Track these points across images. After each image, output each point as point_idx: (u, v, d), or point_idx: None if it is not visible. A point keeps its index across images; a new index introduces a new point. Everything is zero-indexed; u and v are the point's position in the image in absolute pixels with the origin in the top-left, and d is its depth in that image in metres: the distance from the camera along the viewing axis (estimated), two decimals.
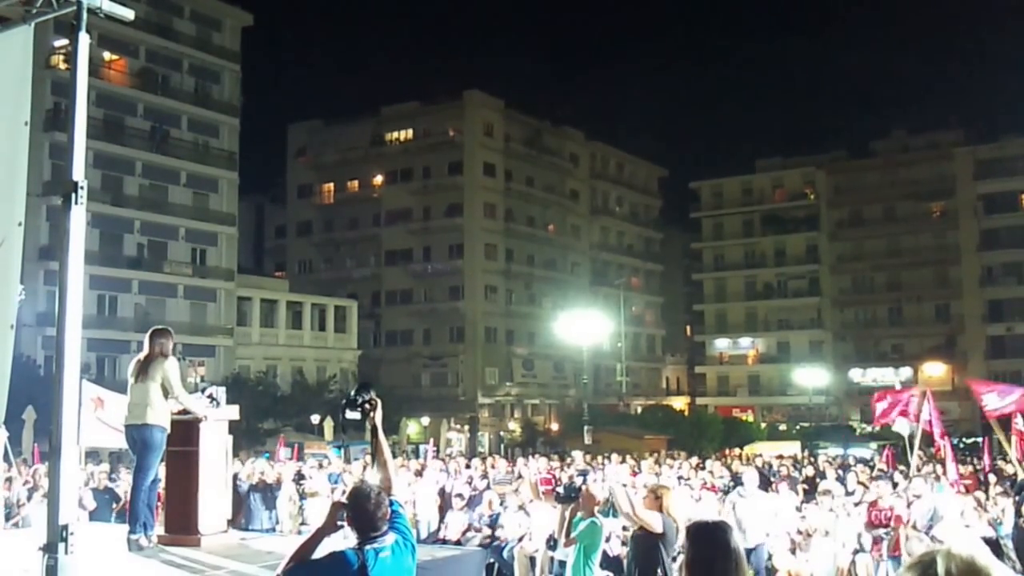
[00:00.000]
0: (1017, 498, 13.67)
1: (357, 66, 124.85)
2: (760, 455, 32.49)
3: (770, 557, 12.60)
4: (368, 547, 4.22)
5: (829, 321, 72.90)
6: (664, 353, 78.46)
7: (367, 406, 4.86)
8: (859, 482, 16.88)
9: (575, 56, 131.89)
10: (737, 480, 18.82)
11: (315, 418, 43.84)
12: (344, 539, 4.46)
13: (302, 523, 15.65)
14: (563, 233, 69.59)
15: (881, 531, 12.20)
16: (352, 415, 4.90)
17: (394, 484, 4.73)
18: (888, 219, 70.55)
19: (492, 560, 12.36)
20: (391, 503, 4.43)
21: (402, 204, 64.76)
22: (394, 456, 22.53)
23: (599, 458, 25.99)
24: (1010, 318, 64.58)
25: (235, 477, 13.77)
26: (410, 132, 66.07)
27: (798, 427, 59.21)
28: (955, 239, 67.85)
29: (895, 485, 15.19)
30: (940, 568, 2.33)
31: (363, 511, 4.30)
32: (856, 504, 13.84)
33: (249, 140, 57.33)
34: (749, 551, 11.73)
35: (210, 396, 8.43)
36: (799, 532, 12.95)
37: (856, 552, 12.53)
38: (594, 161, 73.24)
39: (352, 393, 5.01)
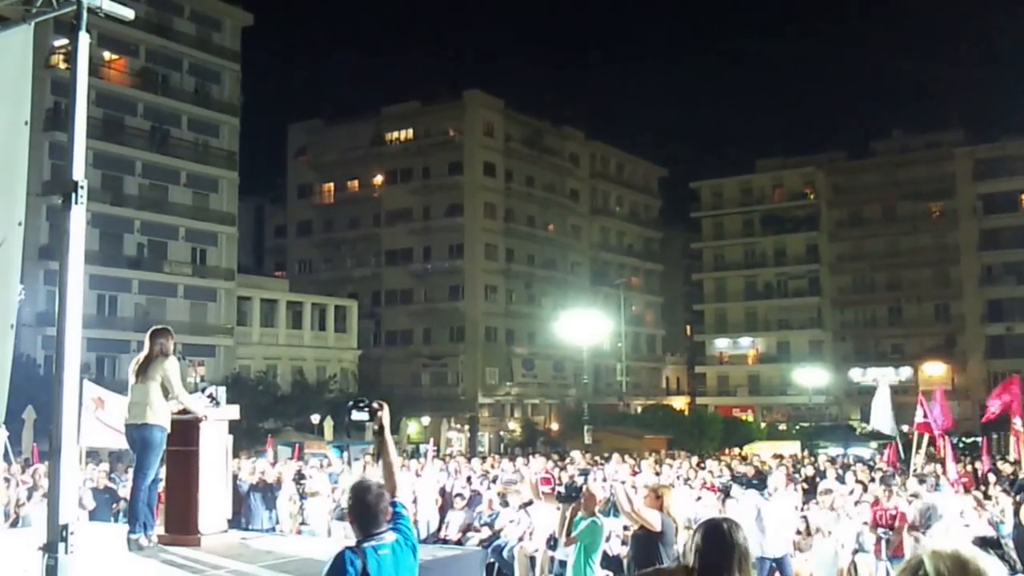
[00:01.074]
0: (1017, 497, 13.66)
1: (357, 66, 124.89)
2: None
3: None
4: (366, 545, 4.21)
5: (829, 321, 72.90)
6: (664, 353, 78.48)
7: (374, 405, 4.83)
8: (858, 481, 16.87)
9: (575, 56, 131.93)
10: (740, 481, 18.78)
11: (315, 418, 43.84)
12: (346, 538, 4.47)
13: (302, 523, 15.66)
14: (563, 233, 69.60)
15: (880, 531, 12.18)
16: (359, 416, 4.88)
17: (399, 487, 4.69)
18: (888, 219, 70.54)
19: (492, 560, 12.35)
20: (394, 503, 4.42)
21: (402, 204, 64.75)
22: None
23: (597, 458, 25.97)
24: (1010, 318, 64.57)
25: (235, 477, 13.77)
26: (410, 132, 66.09)
27: (798, 427, 59.21)
28: (955, 239, 67.83)
29: (889, 488, 15.16)
30: (929, 568, 2.34)
31: (363, 504, 4.29)
32: (856, 504, 13.83)
33: (249, 140, 57.38)
34: (775, 561, 11.15)
35: (210, 396, 8.43)
36: (799, 532, 12.93)
37: (856, 552, 12.53)
38: (594, 161, 73.26)
39: (357, 399, 5.01)
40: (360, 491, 4.35)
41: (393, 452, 4.83)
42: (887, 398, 20.87)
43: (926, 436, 18.21)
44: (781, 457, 30.12)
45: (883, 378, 27.44)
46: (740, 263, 75.89)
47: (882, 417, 20.77)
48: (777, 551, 11.18)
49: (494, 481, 17.02)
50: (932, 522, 11.78)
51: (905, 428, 21.03)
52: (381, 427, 4.80)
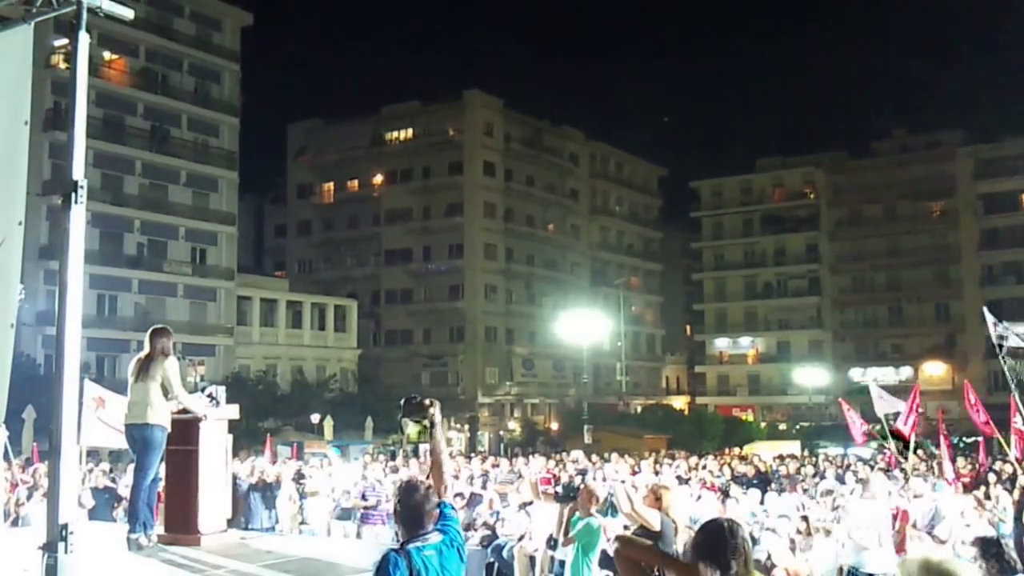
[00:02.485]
0: (1018, 498, 13.65)
1: (357, 66, 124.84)
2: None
3: (769, 556, 12.55)
4: (411, 546, 4.12)
5: (829, 321, 72.91)
6: (664, 353, 78.51)
7: (426, 402, 4.74)
8: (859, 480, 16.87)
9: (575, 56, 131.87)
10: (740, 481, 18.77)
11: (315, 418, 43.85)
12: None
13: (302, 522, 15.65)
14: (563, 233, 69.62)
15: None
16: (411, 407, 4.75)
17: (448, 486, 4.61)
18: (888, 219, 70.56)
19: (492, 560, 12.35)
20: (442, 505, 4.32)
21: (402, 204, 64.78)
22: (393, 457, 22.35)
23: (595, 457, 25.93)
24: (1010, 318, 64.18)
25: (235, 476, 13.76)
26: (410, 132, 66.12)
27: (798, 427, 59.21)
28: (955, 239, 67.86)
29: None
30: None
31: (411, 502, 4.20)
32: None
33: (249, 140, 57.42)
34: None
35: (210, 395, 8.42)
36: (799, 532, 12.91)
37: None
38: (594, 161, 73.28)
39: (409, 396, 4.94)
40: (408, 491, 4.25)
41: (444, 451, 4.70)
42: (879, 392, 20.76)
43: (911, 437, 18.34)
44: (782, 457, 30.12)
45: (884, 378, 27.28)
46: (740, 263, 75.91)
47: (885, 403, 20.71)
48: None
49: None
50: (936, 523, 11.78)
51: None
52: (432, 424, 4.69)
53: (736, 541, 3.60)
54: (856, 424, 19.83)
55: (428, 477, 4.68)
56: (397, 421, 5.06)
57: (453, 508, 4.47)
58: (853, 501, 11.11)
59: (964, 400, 17.50)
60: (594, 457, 24.98)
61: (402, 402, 4.84)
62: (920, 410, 18.00)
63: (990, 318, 13.98)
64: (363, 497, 14.78)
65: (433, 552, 4.14)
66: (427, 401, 4.73)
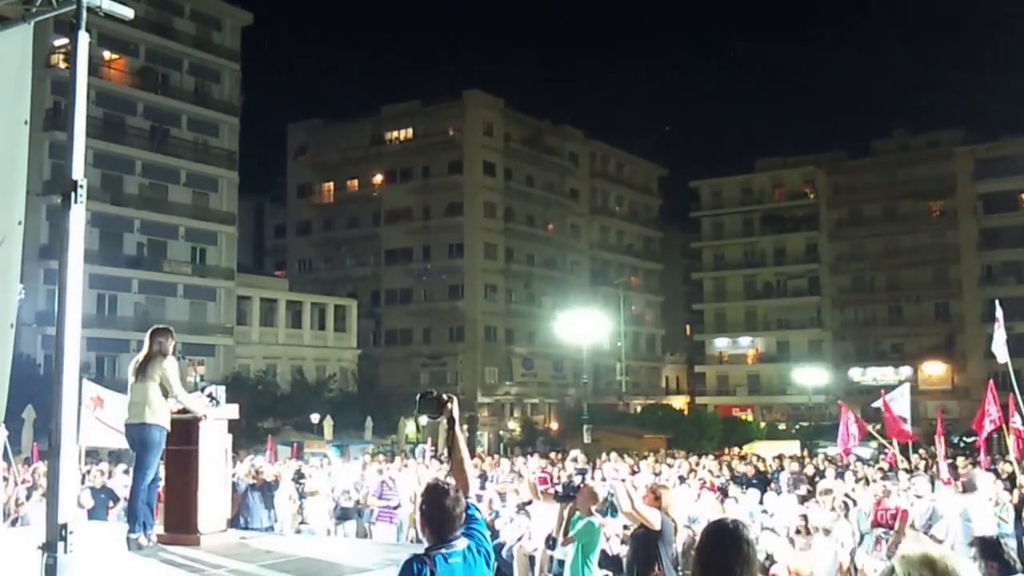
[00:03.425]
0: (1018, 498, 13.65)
1: (357, 66, 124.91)
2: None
3: (768, 556, 12.55)
4: (435, 552, 3.97)
5: (829, 320, 72.89)
6: (664, 352, 78.49)
7: (443, 397, 4.56)
8: (858, 479, 16.88)
9: (575, 56, 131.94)
10: (740, 481, 18.74)
11: (315, 417, 43.85)
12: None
13: (301, 522, 15.64)
14: (563, 232, 69.61)
15: (880, 531, 12.16)
16: (427, 403, 4.58)
17: (471, 486, 4.43)
18: (888, 219, 70.54)
19: None
20: (468, 507, 4.15)
21: (402, 203, 64.78)
22: (392, 457, 22.32)
23: (599, 457, 25.88)
24: (1010, 318, 64.15)
25: (234, 476, 13.75)
26: (410, 132, 66.11)
27: (798, 426, 59.22)
28: (955, 239, 67.82)
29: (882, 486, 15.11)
30: (900, 573, 2.36)
31: (440, 507, 4.03)
32: (855, 503, 13.83)
33: (249, 140, 57.43)
34: None
35: (210, 395, 8.42)
36: (799, 532, 12.91)
37: (854, 552, 12.51)
38: (594, 160, 73.26)
39: (425, 391, 4.74)
40: (436, 494, 4.08)
41: (464, 449, 4.52)
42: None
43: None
44: (781, 457, 30.05)
45: (884, 378, 27.04)
46: (740, 263, 75.90)
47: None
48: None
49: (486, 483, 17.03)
50: (934, 522, 11.78)
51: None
52: (451, 421, 4.52)
53: (741, 543, 3.57)
54: (848, 429, 19.71)
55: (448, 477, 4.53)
56: (413, 417, 4.89)
57: (478, 509, 4.32)
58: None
59: (985, 399, 17.39)
60: (601, 459, 24.77)
61: (418, 398, 4.66)
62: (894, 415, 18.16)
63: (999, 314, 14.11)
64: (380, 496, 14.71)
65: (459, 559, 4.00)
66: (444, 396, 4.55)
